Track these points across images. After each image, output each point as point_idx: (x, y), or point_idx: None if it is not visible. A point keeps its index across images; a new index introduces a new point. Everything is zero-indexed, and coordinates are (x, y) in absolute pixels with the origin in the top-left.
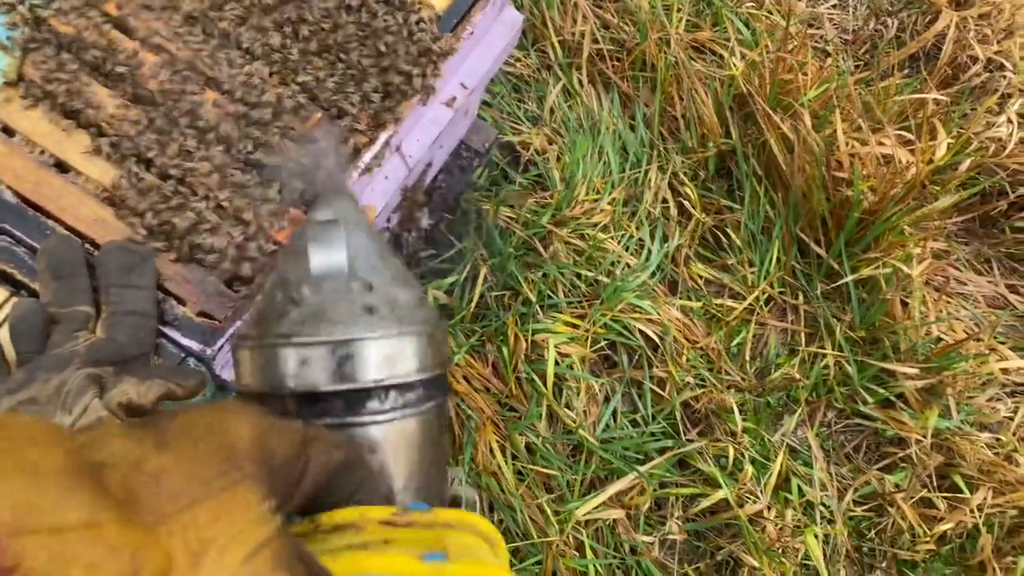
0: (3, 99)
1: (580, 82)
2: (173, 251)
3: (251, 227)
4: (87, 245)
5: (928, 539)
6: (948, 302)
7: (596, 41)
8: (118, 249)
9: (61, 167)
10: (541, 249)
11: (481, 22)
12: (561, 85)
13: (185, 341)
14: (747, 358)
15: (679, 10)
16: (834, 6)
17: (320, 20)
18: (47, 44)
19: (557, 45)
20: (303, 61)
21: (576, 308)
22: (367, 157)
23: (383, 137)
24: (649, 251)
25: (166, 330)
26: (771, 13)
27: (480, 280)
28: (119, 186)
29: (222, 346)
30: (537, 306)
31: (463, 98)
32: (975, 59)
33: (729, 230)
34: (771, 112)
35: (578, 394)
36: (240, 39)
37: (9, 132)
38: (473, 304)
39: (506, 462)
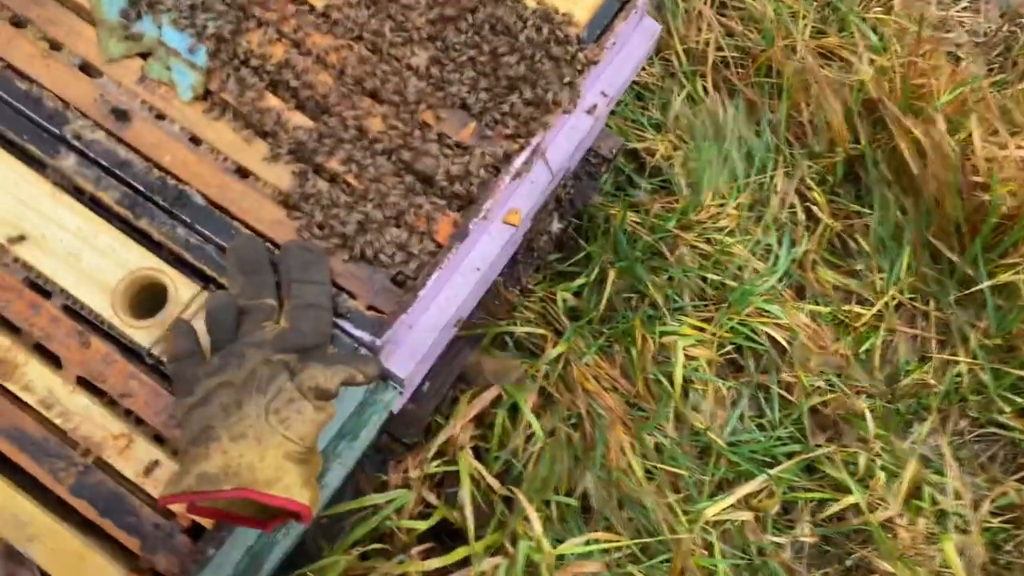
0: (191, 111)
1: (704, 89)
2: (345, 250)
3: (412, 228)
4: (268, 244)
5: None
6: None
7: (720, 49)
8: (297, 248)
9: (242, 173)
10: (667, 253)
11: (623, 31)
12: (685, 92)
13: (357, 332)
14: (876, 364)
15: (804, 17)
16: (964, 9)
17: (472, 38)
18: (230, 61)
19: (681, 53)
20: (457, 73)
21: (703, 312)
22: (517, 163)
23: (532, 144)
24: (776, 256)
25: (340, 322)
26: (900, 18)
27: (608, 283)
28: (294, 190)
29: (390, 337)
30: (664, 309)
31: (604, 106)
32: None
33: (858, 236)
34: (902, 117)
35: (705, 397)
36: (403, 57)
37: (196, 141)
38: (602, 306)
39: (636, 460)
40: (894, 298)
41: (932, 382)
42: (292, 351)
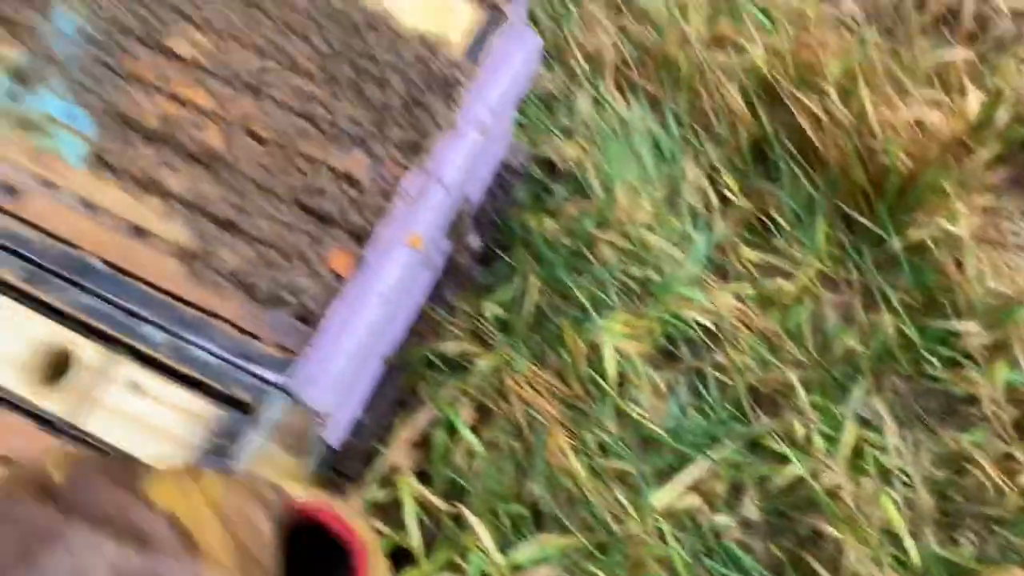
0: (81, 177)
1: (608, 91)
2: (245, 293)
3: (311, 264)
4: (170, 298)
5: (1015, 493)
6: (1006, 255)
7: (618, 49)
8: None
9: (139, 232)
10: (589, 255)
11: (500, 48)
12: (589, 96)
13: (265, 374)
14: (807, 335)
15: (697, 9)
16: None
17: (352, 69)
18: (114, 124)
19: (581, 59)
20: (340, 104)
21: (631, 307)
22: (410, 188)
23: (423, 167)
24: (695, 245)
25: (248, 365)
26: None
27: (533, 291)
28: (192, 243)
29: (302, 374)
30: (592, 309)
31: (495, 122)
32: (998, 11)
33: (773, 213)
34: (797, 92)
35: (641, 390)
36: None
37: (90, 206)
38: (530, 314)
39: (580, 460)
40: (815, 268)
41: (860, 348)
42: None
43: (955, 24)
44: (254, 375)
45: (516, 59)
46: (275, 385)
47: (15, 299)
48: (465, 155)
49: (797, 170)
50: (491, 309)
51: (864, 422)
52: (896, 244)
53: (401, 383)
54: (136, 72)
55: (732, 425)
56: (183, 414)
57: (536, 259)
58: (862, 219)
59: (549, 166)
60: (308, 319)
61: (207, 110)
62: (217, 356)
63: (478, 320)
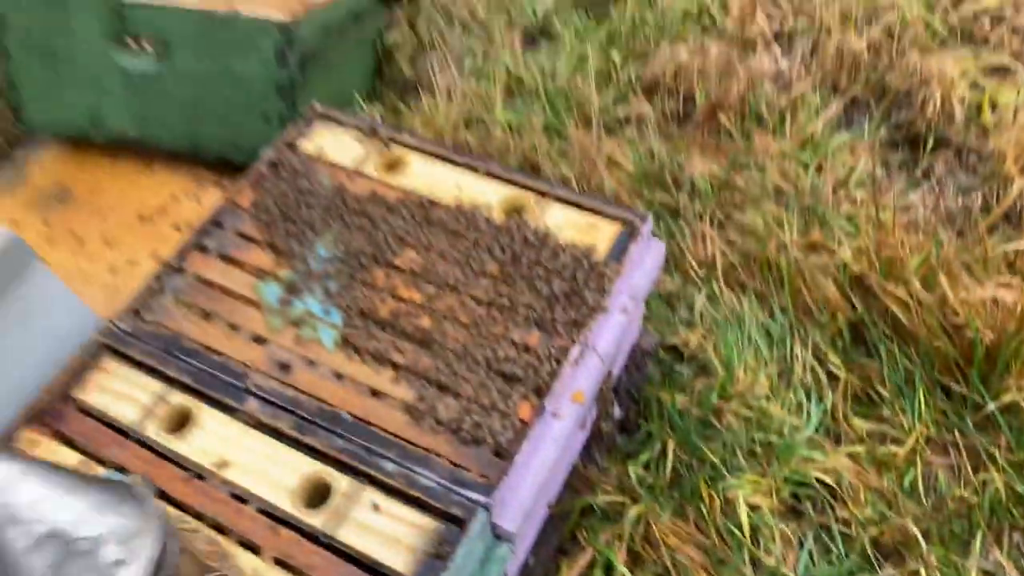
0: (334, 356)
1: (720, 289)
2: (455, 436)
3: (503, 413)
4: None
5: None
6: None
7: (726, 256)
8: None
9: (375, 393)
10: (716, 423)
11: (635, 251)
12: (704, 294)
13: (474, 496)
14: (920, 493)
15: (789, 222)
16: (925, 194)
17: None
18: (357, 319)
19: (695, 265)
20: (521, 296)
21: (757, 467)
22: (573, 356)
23: (582, 340)
24: (809, 412)
25: (460, 490)
26: (870, 207)
27: (670, 454)
28: (415, 401)
29: (498, 498)
30: (723, 468)
31: (633, 307)
32: None
33: (876, 385)
34: (885, 283)
35: (774, 540)
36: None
37: (340, 376)
38: (668, 474)
39: None
40: (922, 433)
41: (974, 500)
42: None
43: (1017, 219)
44: (465, 497)
45: (647, 261)
46: (481, 505)
47: (288, 444)
48: (613, 332)
49: (893, 348)
50: (634, 469)
51: (987, 574)
52: (992, 407)
53: (562, 531)
54: (371, 281)
55: (860, 574)
56: (412, 527)
57: (670, 427)
58: (957, 387)
59: (675, 351)
60: (502, 455)
61: (421, 305)
62: (437, 483)
63: (624, 478)
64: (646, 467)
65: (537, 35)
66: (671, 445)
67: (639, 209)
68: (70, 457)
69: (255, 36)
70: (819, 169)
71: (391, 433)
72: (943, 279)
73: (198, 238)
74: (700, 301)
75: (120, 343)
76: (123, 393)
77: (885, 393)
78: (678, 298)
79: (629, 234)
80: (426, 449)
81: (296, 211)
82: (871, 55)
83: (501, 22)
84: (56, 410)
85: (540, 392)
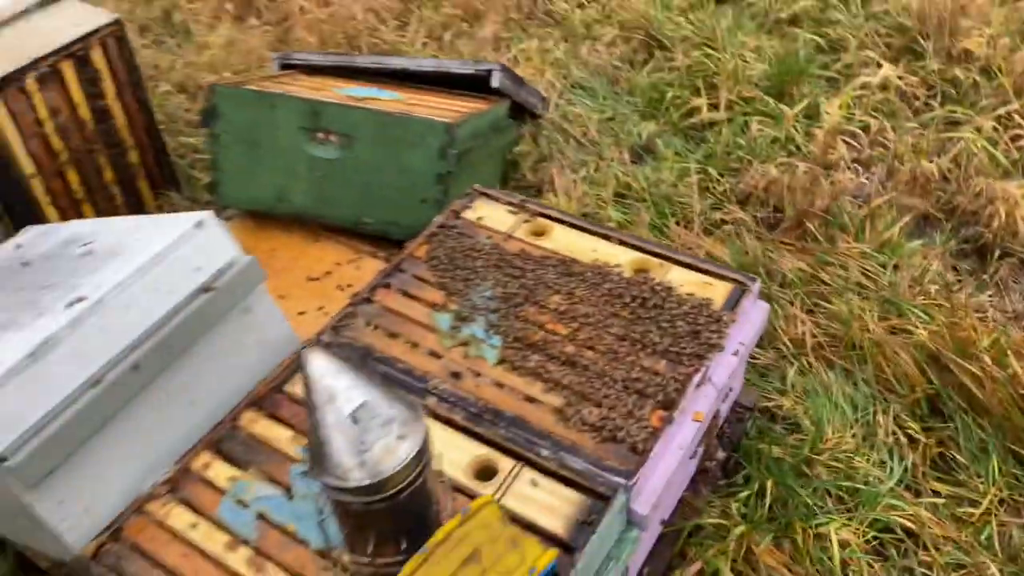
0: (495, 370)
1: (809, 363)
2: (598, 434)
3: (639, 419)
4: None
5: None
6: None
7: (815, 336)
8: None
9: (529, 399)
10: (808, 471)
11: (746, 305)
12: (796, 367)
13: (616, 479)
14: (997, 547)
15: (869, 310)
16: (992, 295)
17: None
18: (512, 342)
19: (788, 342)
20: (651, 334)
21: (844, 511)
22: (696, 381)
23: (703, 370)
24: (891, 468)
25: (606, 475)
26: (942, 300)
27: (767, 494)
28: (564, 407)
29: (636, 484)
30: (815, 509)
31: (743, 351)
32: None
33: (953, 452)
34: (958, 360)
35: (862, 574)
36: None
37: (500, 386)
38: (765, 510)
39: None
40: (996, 495)
41: None
42: None
43: None
44: (609, 479)
45: (755, 315)
46: (622, 486)
47: (461, 432)
48: (726, 368)
49: (968, 419)
50: (736, 504)
51: None
52: None
53: (672, 549)
54: (524, 316)
55: None
56: (565, 500)
57: (767, 471)
58: None
59: (769, 414)
60: (637, 451)
61: (566, 336)
62: (585, 467)
63: (726, 509)
64: (745, 504)
65: (642, 153)
66: (768, 486)
67: (749, 274)
68: (282, 433)
69: (424, 134)
70: (895, 268)
71: (543, 429)
72: (1012, 358)
73: (384, 278)
74: (792, 373)
75: (327, 344)
76: None
77: (961, 459)
78: (772, 370)
79: (741, 292)
80: (573, 442)
81: (462, 261)
82: (941, 180)
83: (610, 141)
84: (271, 398)
85: (668, 406)
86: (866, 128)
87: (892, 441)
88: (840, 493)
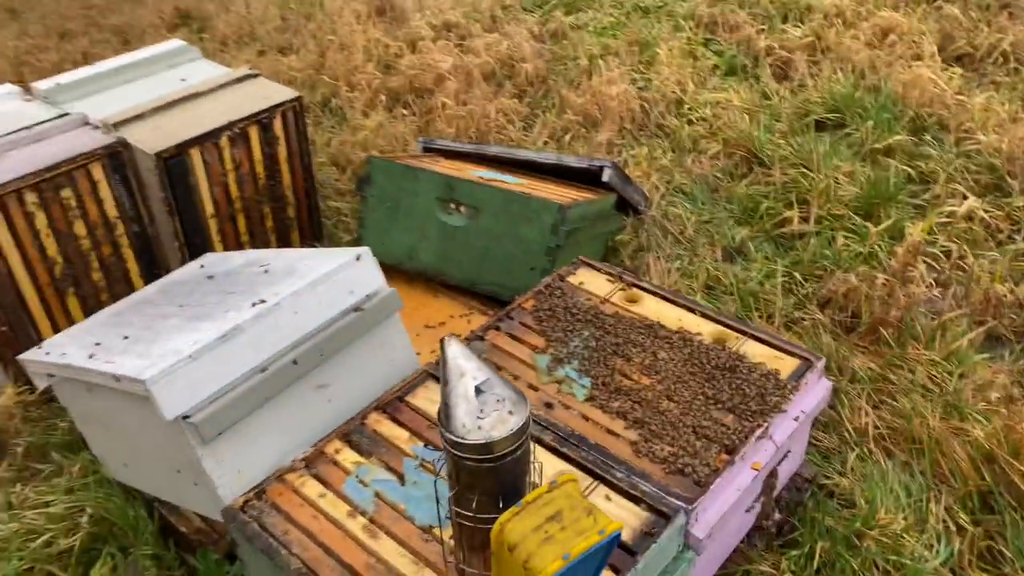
0: (583, 406)
1: (869, 451)
2: (667, 466)
3: (703, 458)
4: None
5: None
6: None
7: (877, 427)
8: None
9: (612, 432)
10: (857, 542)
11: (810, 378)
12: (855, 454)
13: (678, 503)
14: None
15: (934, 411)
16: None
17: (730, 380)
18: (602, 386)
19: (851, 430)
20: (722, 393)
21: None
22: (757, 434)
23: (764, 426)
24: (938, 551)
25: (671, 500)
26: (1004, 411)
27: (816, 556)
28: (639, 442)
29: (696, 508)
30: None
31: (804, 419)
32: None
33: (1000, 546)
34: (1013, 463)
35: None
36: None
37: (586, 418)
38: (814, 571)
39: None
40: None
41: None
42: None
43: None
44: (672, 502)
45: (818, 389)
46: (683, 508)
47: (549, 450)
48: (786, 430)
49: (1017, 515)
50: (786, 563)
51: None
52: None
53: None
54: (612, 365)
55: None
56: (633, 514)
57: (819, 536)
58: None
59: (827, 491)
60: (699, 484)
61: (647, 386)
62: (652, 489)
63: (778, 564)
64: (795, 563)
65: (734, 254)
66: (818, 548)
67: (816, 353)
68: (401, 433)
69: (540, 211)
70: (961, 376)
71: (620, 457)
72: None
73: (496, 322)
74: (852, 457)
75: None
76: (435, 400)
77: (1008, 552)
78: (835, 454)
79: (807, 367)
80: (644, 471)
81: (562, 315)
82: (1016, 306)
83: (705, 240)
84: (394, 404)
85: (730, 452)
86: (948, 253)
87: (942, 528)
88: (887, 567)
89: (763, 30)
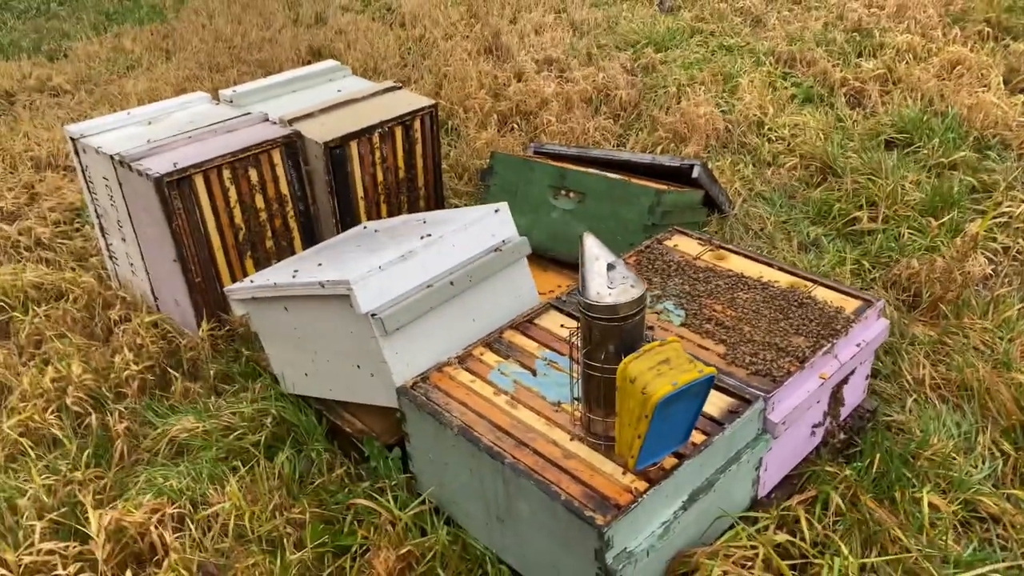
0: (681, 330)
1: (925, 395)
2: (749, 368)
3: (780, 365)
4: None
5: None
6: None
7: (933, 378)
8: None
9: (702, 347)
10: (912, 460)
11: (870, 314)
12: (913, 398)
13: (760, 392)
14: None
15: (984, 365)
16: None
17: (797, 309)
18: (692, 316)
19: (910, 379)
20: (788, 321)
21: (940, 493)
22: (823, 350)
23: (829, 344)
24: (982, 469)
25: (754, 388)
26: None
27: (875, 464)
28: (726, 352)
29: (774, 398)
30: (914, 481)
31: (864, 346)
32: None
33: None
34: None
35: (947, 532)
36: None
37: (683, 338)
38: (871, 476)
39: None
40: None
41: None
42: None
43: None
44: (752, 391)
45: (876, 325)
46: (762, 396)
47: None
48: (848, 351)
49: None
50: (850, 469)
51: None
52: None
53: (794, 488)
54: (701, 302)
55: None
56: (721, 399)
57: (877, 450)
58: None
59: (886, 426)
60: (775, 381)
61: (731, 316)
62: (736, 383)
63: (840, 472)
64: (857, 472)
65: (809, 247)
66: (876, 459)
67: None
68: (531, 343)
69: (639, 195)
70: (1010, 340)
71: (711, 363)
72: None
73: None
74: (910, 401)
75: (559, 304)
76: (557, 322)
77: None
78: (894, 399)
79: (867, 306)
80: (731, 372)
81: (660, 266)
82: None
83: (782, 236)
84: (525, 325)
85: (801, 361)
86: (1006, 249)
87: (987, 453)
88: (937, 480)
89: (838, 64)
